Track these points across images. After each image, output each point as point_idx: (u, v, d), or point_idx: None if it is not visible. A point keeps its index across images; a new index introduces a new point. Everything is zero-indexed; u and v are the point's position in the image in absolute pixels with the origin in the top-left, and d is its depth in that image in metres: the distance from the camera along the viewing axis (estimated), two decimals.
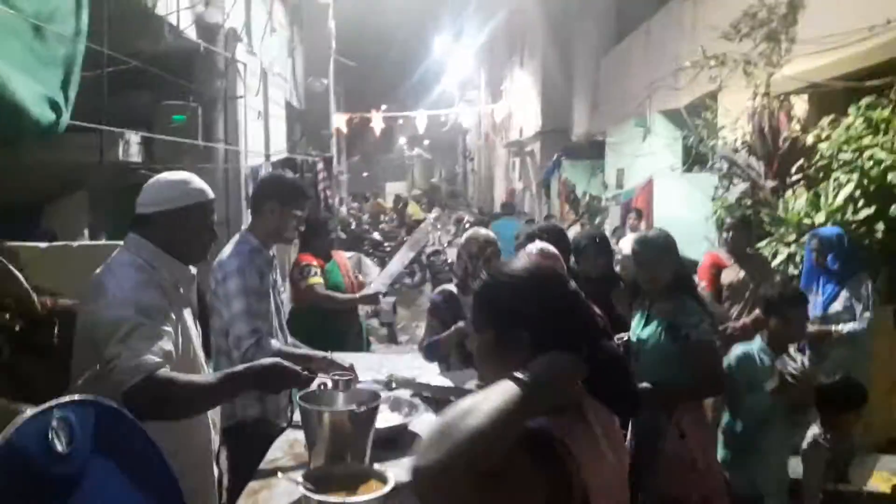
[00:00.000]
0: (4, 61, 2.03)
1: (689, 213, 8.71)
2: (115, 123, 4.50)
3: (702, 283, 4.39)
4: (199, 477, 2.14)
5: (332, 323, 4.09)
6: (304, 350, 2.71)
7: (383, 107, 19.10)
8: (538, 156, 17.32)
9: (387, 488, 1.87)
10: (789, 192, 5.25)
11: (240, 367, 2.02)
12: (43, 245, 3.40)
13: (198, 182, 2.10)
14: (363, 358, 4.06)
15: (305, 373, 2.07)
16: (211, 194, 2.13)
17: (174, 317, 2.01)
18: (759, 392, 2.93)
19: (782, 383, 2.88)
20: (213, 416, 2.27)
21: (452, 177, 38.46)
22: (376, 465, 2.17)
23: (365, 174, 37.23)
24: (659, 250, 2.96)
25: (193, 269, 2.19)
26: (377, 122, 18.19)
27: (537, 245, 2.60)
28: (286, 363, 2.02)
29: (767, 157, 5.51)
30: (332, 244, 4.55)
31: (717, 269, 4.46)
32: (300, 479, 1.90)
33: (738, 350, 3.12)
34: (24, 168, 4.15)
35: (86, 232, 5.22)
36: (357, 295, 4.39)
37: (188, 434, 2.07)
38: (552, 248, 2.59)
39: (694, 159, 8.07)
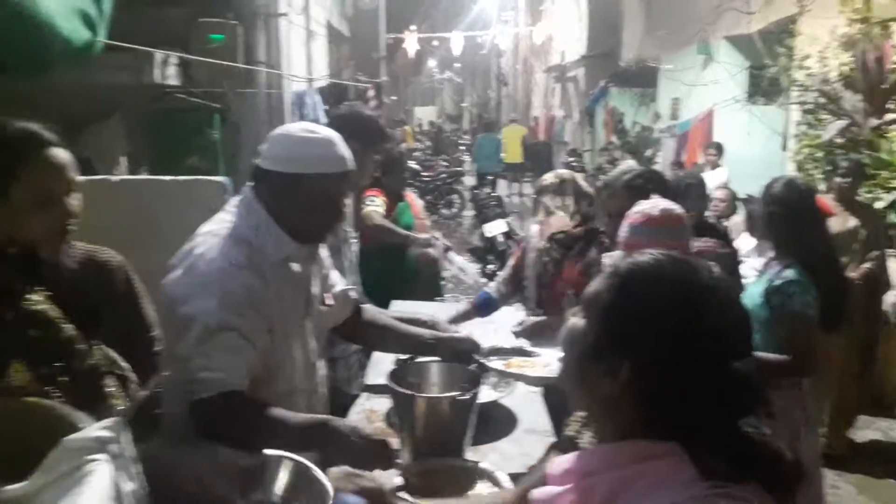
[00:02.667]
0: None
1: (753, 149, 8.20)
2: (148, 42, 4.10)
3: None
4: None
5: (401, 264, 3.74)
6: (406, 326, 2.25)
7: (412, 27, 18.26)
8: (582, 82, 16.51)
9: None
10: (894, 132, 4.73)
11: (340, 423, 1.60)
12: (81, 178, 3.09)
13: (335, 147, 1.66)
14: (418, 308, 3.77)
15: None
16: (350, 165, 1.69)
17: (273, 305, 1.64)
18: None
19: None
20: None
21: (485, 102, 37.45)
22: (470, 454, 1.91)
23: (393, 98, 36.45)
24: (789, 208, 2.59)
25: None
26: (411, 43, 17.46)
27: (658, 203, 1.99)
28: (389, 443, 1.55)
29: (868, 92, 4.94)
30: (404, 182, 4.12)
31: (824, 216, 4.00)
32: (397, 480, 1.62)
33: None
34: (57, 90, 3.81)
35: (123, 161, 4.90)
36: (417, 235, 3.95)
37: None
38: (676, 207, 2.00)
39: (763, 91, 7.47)
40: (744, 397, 0.89)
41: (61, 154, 1.50)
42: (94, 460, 1.02)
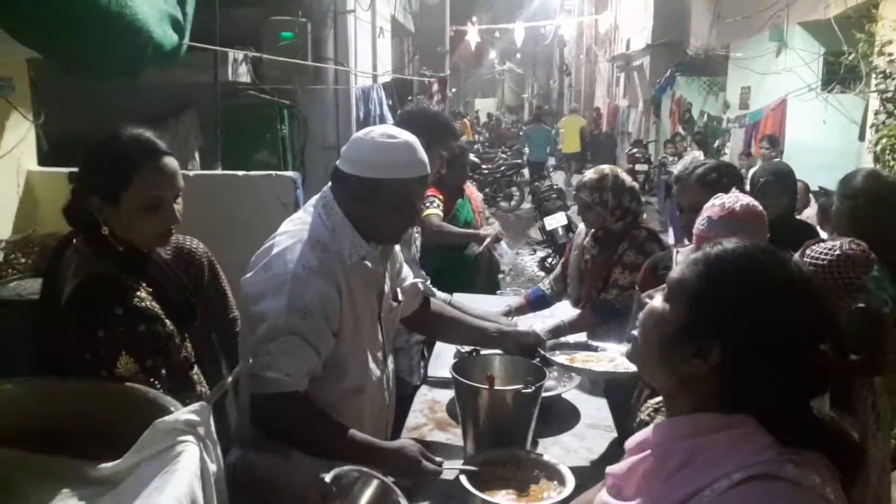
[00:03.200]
0: None
1: (828, 140, 7.89)
2: (222, 41, 4.24)
3: None
4: None
5: (460, 260, 3.77)
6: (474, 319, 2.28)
7: (473, 18, 18.22)
8: (647, 71, 16.17)
9: (567, 491, 1.58)
10: None
11: (384, 443, 1.71)
12: None
13: (413, 153, 1.71)
14: (479, 302, 3.79)
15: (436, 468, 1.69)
16: (425, 170, 1.73)
17: (344, 308, 1.70)
18: None
19: None
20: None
21: (546, 92, 37.03)
22: (532, 447, 1.93)
23: (453, 90, 36.42)
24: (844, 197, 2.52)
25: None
26: (473, 35, 17.44)
27: (739, 198, 1.92)
28: (425, 463, 1.66)
29: None
30: (465, 177, 4.08)
31: None
32: (460, 469, 1.66)
33: None
34: (136, 87, 3.99)
35: (196, 155, 5.09)
36: (475, 231, 3.94)
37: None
38: (757, 204, 1.93)
39: (839, 79, 7.15)
40: (819, 380, 0.96)
41: (173, 162, 1.57)
42: (183, 441, 1.10)
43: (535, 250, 9.79)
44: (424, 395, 2.44)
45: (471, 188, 4.25)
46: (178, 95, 4.89)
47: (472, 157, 14.20)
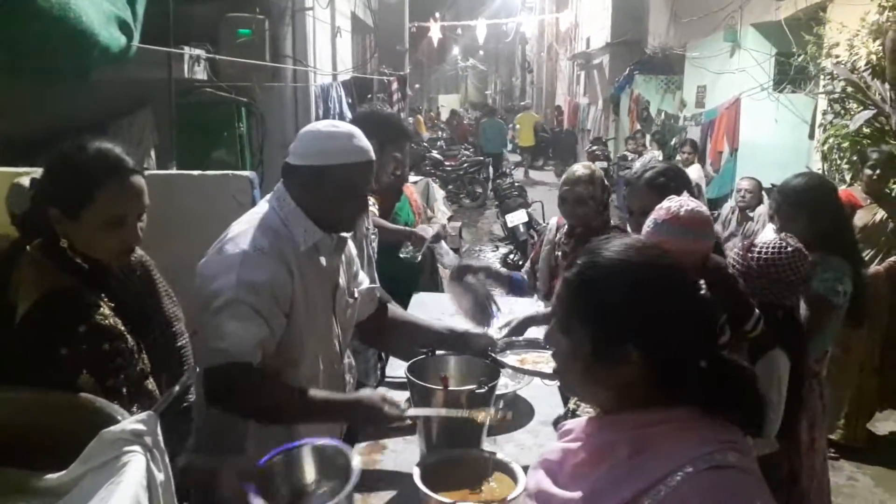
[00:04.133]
0: None
1: (780, 138, 8.10)
2: (178, 37, 4.17)
3: None
4: None
5: (401, 260, 3.68)
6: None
7: (436, 14, 18.22)
8: (607, 69, 16.36)
9: (519, 489, 1.61)
10: None
11: (342, 395, 1.80)
12: None
13: (356, 140, 1.79)
14: (442, 299, 3.80)
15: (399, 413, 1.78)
16: (370, 155, 1.81)
17: (296, 292, 1.75)
18: None
19: None
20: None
21: (509, 89, 37.21)
22: (487, 445, 1.96)
23: (416, 86, 36.35)
24: (798, 204, 2.62)
25: (346, 233, 1.91)
26: (435, 31, 17.41)
27: (685, 203, 1.93)
28: (388, 408, 1.75)
29: None
30: (403, 179, 3.78)
31: (851, 208, 3.95)
32: (415, 470, 1.68)
33: None
34: (88, 85, 3.91)
35: (153, 154, 5.00)
36: (411, 230, 3.66)
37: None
38: (703, 209, 1.95)
39: (790, 80, 7.34)
40: (717, 342, 1.07)
41: (139, 181, 1.53)
42: (129, 451, 1.10)
43: (497, 247, 9.87)
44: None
45: (409, 187, 4.11)
46: (132, 93, 4.79)
47: (435, 153, 14.23)
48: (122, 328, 1.51)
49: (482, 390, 1.85)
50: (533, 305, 3.00)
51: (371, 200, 3.49)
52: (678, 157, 8.25)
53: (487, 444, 1.96)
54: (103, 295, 1.53)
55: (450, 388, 1.90)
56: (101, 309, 1.49)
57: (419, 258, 3.51)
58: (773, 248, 2.17)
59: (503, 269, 3.17)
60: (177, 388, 1.29)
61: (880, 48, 5.08)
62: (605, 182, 2.82)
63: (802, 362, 2.30)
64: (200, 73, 4.83)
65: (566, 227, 2.88)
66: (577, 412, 1.79)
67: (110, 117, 4.93)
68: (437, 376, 1.96)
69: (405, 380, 1.94)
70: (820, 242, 2.48)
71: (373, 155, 1.82)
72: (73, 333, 1.41)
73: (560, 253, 2.85)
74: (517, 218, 8.49)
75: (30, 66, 1.71)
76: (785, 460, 2.31)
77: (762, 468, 1.74)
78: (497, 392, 1.96)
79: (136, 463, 1.08)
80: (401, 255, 3.57)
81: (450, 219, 7.17)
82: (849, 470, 3.84)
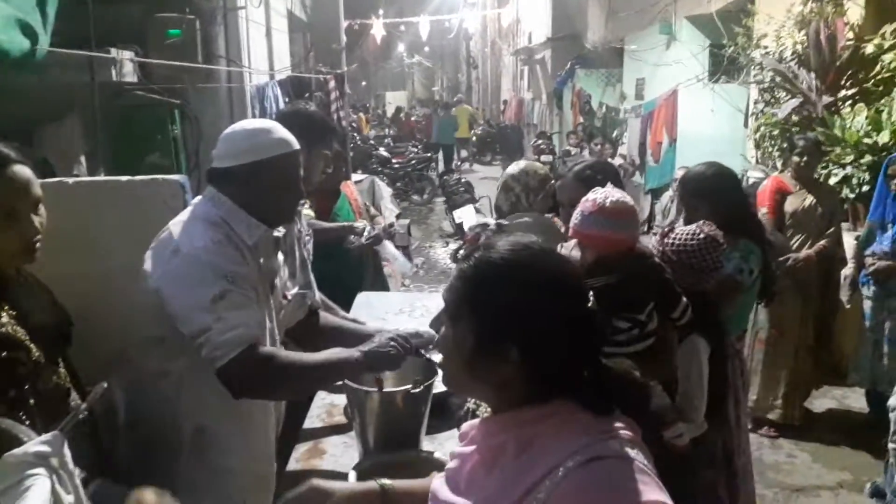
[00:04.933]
0: None
1: (717, 128, 8.31)
2: (103, 40, 4.03)
3: (762, 209, 4.02)
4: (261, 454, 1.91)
5: (344, 260, 3.59)
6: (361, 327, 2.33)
7: (380, 12, 18.13)
8: (549, 64, 16.54)
9: None
10: (846, 109, 4.82)
11: (354, 350, 1.77)
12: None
13: (278, 132, 1.81)
14: (387, 298, 3.78)
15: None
16: (295, 145, 1.83)
17: (254, 283, 1.75)
18: None
19: None
20: None
21: (455, 85, 37.29)
22: (427, 443, 1.96)
23: (363, 83, 36.08)
24: (697, 193, 2.70)
25: (279, 232, 1.90)
26: (378, 29, 17.30)
27: (611, 194, 1.95)
28: (400, 343, 1.80)
29: (822, 70, 5.02)
30: (341, 178, 3.82)
31: (782, 194, 4.06)
32: (351, 472, 1.66)
33: None
34: (6, 92, 3.74)
35: (83, 160, 4.82)
36: (348, 223, 3.66)
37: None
38: (628, 199, 1.98)
39: (724, 70, 7.54)
40: (598, 341, 1.06)
41: (24, 171, 1.46)
42: (33, 475, 1.05)
43: (447, 243, 9.89)
44: (322, 399, 2.43)
45: (347, 185, 4.02)
46: (58, 98, 4.60)
47: (382, 151, 14.16)
48: (24, 338, 1.43)
49: (417, 390, 1.84)
50: None
51: (307, 202, 3.45)
52: (532, 150, 8.44)
53: (427, 444, 1.95)
54: (4, 304, 1.44)
55: (385, 390, 1.88)
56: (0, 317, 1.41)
57: (366, 241, 3.54)
58: (687, 234, 2.22)
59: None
60: (84, 405, 1.23)
61: (805, 38, 5.26)
62: (549, 176, 2.89)
63: (722, 344, 2.36)
64: (130, 76, 4.68)
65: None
66: (477, 412, 1.79)
67: (36, 124, 4.75)
68: (373, 378, 1.93)
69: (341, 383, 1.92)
70: (725, 227, 2.55)
71: (297, 145, 1.83)
72: None
73: None
74: (465, 213, 8.53)
75: None
76: (718, 438, 2.37)
77: (697, 448, 1.80)
78: (434, 391, 1.96)
79: (39, 487, 1.03)
80: (348, 247, 3.55)
81: (398, 216, 7.15)
82: (787, 448, 3.97)
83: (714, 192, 2.66)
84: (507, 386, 1.03)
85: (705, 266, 2.20)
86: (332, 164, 2.65)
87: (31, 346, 1.45)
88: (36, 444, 1.09)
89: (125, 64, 4.56)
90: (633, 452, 0.97)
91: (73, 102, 4.70)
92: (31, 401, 1.40)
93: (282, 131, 1.82)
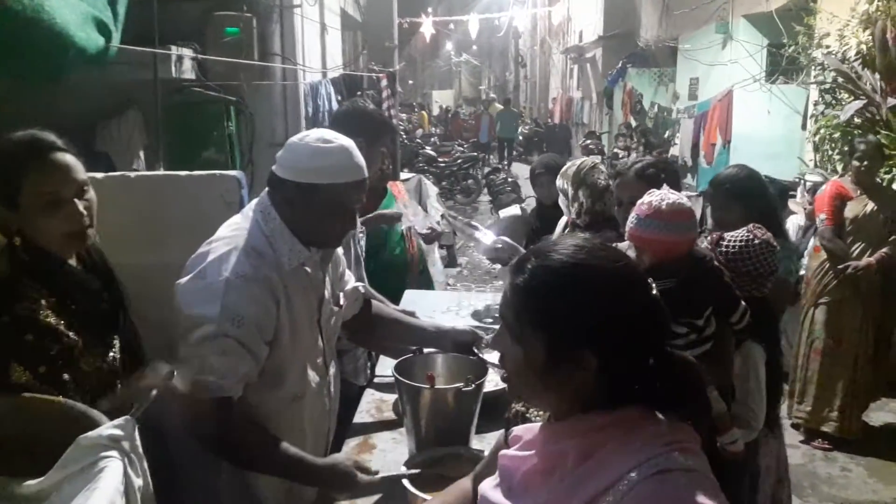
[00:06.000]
0: None
1: (773, 129, 8.11)
2: (164, 37, 4.14)
3: (821, 215, 3.90)
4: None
5: (388, 258, 3.55)
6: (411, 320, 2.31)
7: (429, 10, 18.20)
8: (599, 63, 16.37)
9: None
10: None
11: (316, 459, 1.72)
12: (100, 175, 3.15)
13: (349, 157, 1.68)
14: (434, 297, 3.79)
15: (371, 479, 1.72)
16: (362, 174, 1.70)
17: (280, 319, 1.69)
18: None
19: None
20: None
21: (503, 84, 37.17)
22: (476, 443, 1.96)
23: (410, 82, 36.29)
24: (731, 194, 2.63)
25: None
26: (427, 27, 17.36)
27: (667, 196, 1.90)
28: (362, 476, 1.69)
29: (887, 71, 4.84)
30: (388, 177, 3.60)
31: (842, 200, 3.92)
32: (403, 470, 1.67)
33: None
34: (72, 88, 3.89)
35: (141, 154, 4.97)
36: (380, 212, 3.40)
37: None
38: (686, 201, 1.92)
39: (782, 71, 7.35)
40: (666, 333, 1.03)
41: (64, 157, 1.51)
42: (107, 457, 1.09)
43: None
44: (371, 395, 2.44)
45: (395, 184, 4.02)
46: (120, 94, 4.76)
47: (428, 150, 14.20)
48: (58, 323, 1.46)
49: (469, 388, 1.84)
50: None
51: None
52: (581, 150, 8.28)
53: (476, 442, 1.95)
54: (46, 290, 1.48)
55: (437, 387, 1.89)
56: (36, 302, 1.44)
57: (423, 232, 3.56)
58: (741, 241, 2.16)
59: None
60: (154, 391, 1.27)
61: (870, 38, 5.08)
62: (606, 174, 2.86)
63: (778, 351, 2.32)
64: (189, 73, 4.81)
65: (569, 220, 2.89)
66: (528, 415, 1.78)
67: (98, 118, 4.91)
68: (424, 375, 1.94)
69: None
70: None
71: (366, 172, 1.73)
72: None
73: None
74: (511, 213, 8.49)
75: (3, 69, 1.69)
76: (769, 448, 2.33)
77: (748, 457, 1.74)
78: (485, 390, 1.96)
79: (112, 468, 1.07)
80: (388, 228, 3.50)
81: (443, 216, 7.16)
82: (842, 461, 3.85)
83: (748, 193, 2.60)
84: (580, 392, 1.00)
85: (763, 271, 2.16)
86: (388, 162, 2.66)
87: (69, 332, 1.47)
88: (109, 427, 1.13)
89: (184, 61, 4.68)
90: (696, 464, 0.95)
91: (133, 98, 4.85)
92: (66, 375, 1.44)
93: (354, 157, 1.70)
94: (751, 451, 2.32)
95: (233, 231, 1.71)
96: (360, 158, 1.72)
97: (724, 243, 2.19)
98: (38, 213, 1.47)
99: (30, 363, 1.39)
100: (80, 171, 1.53)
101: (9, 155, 1.48)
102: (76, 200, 1.51)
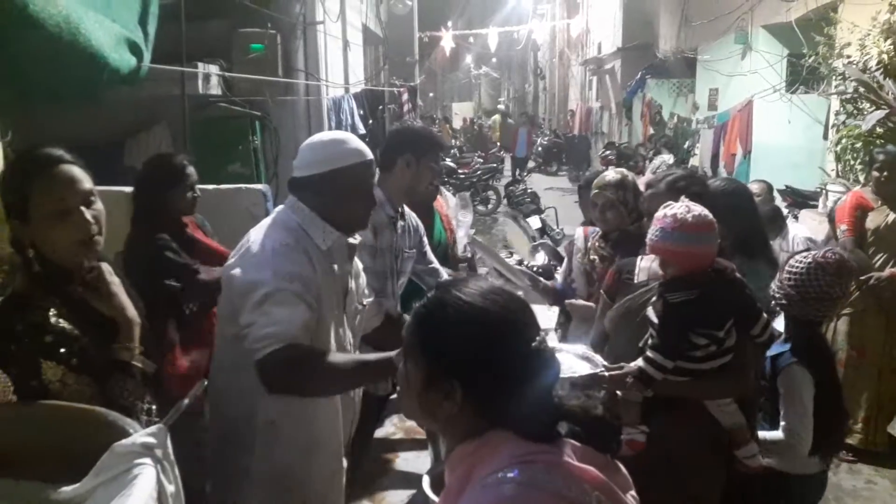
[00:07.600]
0: None
1: (794, 140, 8.04)
2: (190, 54, 4.24)
3: (842, 226, 3.86)
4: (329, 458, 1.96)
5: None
6: None
7: (448, 23, 18.36)
8: (618, 74, 16.35)
9: None
10: None
11: (376, 355, 1.81)
12: (128, 189, 3.23)
13: (353, 142, 1.93)
14: None
15: None
16: (368, 155, 1.94)
17: (319, 288, 1.82)
18: None
19: None
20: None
21: (522, 96, 37.24)
22: None
23: (430, 94, 36.49)
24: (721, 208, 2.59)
25: (355, 240, 1.99)
26: (447, 41, 17.52)
27: (691, 208, 1.91)
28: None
29: None
30: (434, 194, 3.39)
31: (863, 211, 3.88)
32: (424, 478, 1.70)
33: None
34: (103, 104, 3.99)
35: None
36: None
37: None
38: (708, 213, 1.92)
39: (802, 81, 7.30)
40: (546, 373, 1.08)
41: (70, 168, 1.55)
42: (140, 464, 1.13)
43: (511, 253, 9.85)
44: (395, 402, 2.49)
45: (441, 203, 3.76)
46: (149, 110, 4.88)
47: (448, 161, 14.28)
48: (73, 330, 1.50)
49: None
50: (545, 312, 3.02)
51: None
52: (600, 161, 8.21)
53: None
54: (58, 300, 1.53)
55: None
56: (47, 312, 1.49)
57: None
58: (801, 266, 2.19)
59: (549, 282, 3.27)
60: (186, 400, 1.31)
61: (892, 47, 5.05)
62: (637, 187, 2.82)
63: (831, 373, 2.29)
64: (214, 89, 4.91)
65: (598, 232, 2.90)
66: None
67: (127, 134, 5.03)
68: None
69: None
70: (739, 247, 2.45)
71: (370, 155, 1.94)
72: (13, 331, 1.44)
73: (597, 258, 2.86)
74: (531, 224, 8.51)
75: (40, 89, 1.75)
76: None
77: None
78: None
79: (146, 475, 1.11)
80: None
81: (471, 242, 7.14)
82: (867, 473, 3.80)
83: (733, 209, 2.51)
84: (453, 422, 1.08)
85: (825, 295, 2.17)
86: (438, 178, 2.73)
87: (84, 338, 1.51)
88: (143, 435, 1.17)
89: (211, 77, 4.78)
90: (545, 477, 0.99)
91: (161, 114, 4.96)
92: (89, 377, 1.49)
93: (356, 142, 1.93)
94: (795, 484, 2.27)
95: (266, 222, 1.91)
96: (361, 144, 1.93)
97: (787, 269, 2.21)
98: (48, 222, 1.52)
99: (59, 359, 1.45)
100: (85, 182, 1.58)
101: (18, 169, 1.56)
102: (83, 209, 1.55)
